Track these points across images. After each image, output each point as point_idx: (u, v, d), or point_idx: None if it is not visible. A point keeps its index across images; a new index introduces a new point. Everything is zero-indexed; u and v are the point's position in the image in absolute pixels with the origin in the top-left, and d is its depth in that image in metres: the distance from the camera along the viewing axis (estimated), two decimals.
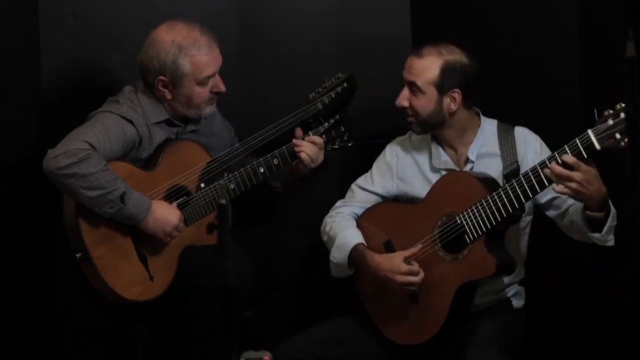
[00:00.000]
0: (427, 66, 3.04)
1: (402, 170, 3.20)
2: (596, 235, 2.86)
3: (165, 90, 3.09)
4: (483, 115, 3.17)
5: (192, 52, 3.05)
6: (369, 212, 3.21)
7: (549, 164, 2.79)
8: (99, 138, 2.96)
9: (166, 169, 3.09)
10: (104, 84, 3.19)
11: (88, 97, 3.17)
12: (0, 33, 3.39)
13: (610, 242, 2.90)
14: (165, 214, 3.02)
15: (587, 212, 2.83)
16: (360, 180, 3.27)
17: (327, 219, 3.24)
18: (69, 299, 3.46)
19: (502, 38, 3.50)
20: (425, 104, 3.05)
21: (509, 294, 3.13)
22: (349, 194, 3.28)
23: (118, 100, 3.10)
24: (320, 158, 3.21)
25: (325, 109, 3.24)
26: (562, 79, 3.40)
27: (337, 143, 3.28)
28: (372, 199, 3.23)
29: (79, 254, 2.99)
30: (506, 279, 3.08)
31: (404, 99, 3.07)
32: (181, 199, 3.10)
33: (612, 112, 2.72)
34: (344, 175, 3.46)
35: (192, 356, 3.12)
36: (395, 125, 3.39)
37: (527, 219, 3.10)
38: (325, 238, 3.23)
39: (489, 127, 3.13)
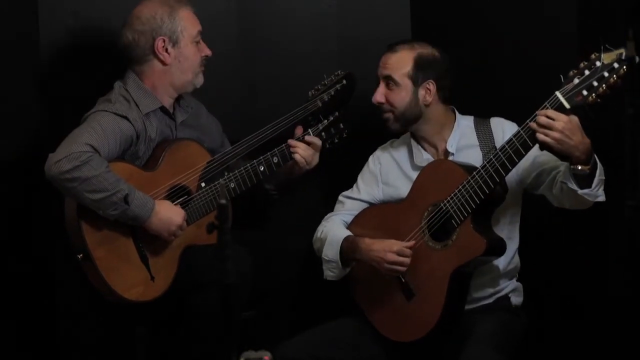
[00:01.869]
0: (401, 59, 3.12)
1: (386, 174, 3.25)
2: (586, 191, 2.85)
3: (165, 54, 3.12)
4: (480, 114, 3.19)
5: (181, 7, 3.15)
6: (357, 218, 3.24)
7: (529, 123, 2.83)
8: (98, 139, 2.96)
9: (167, 169, 3.09)
10: (104, 84, 3.18)
11: (88, 97, 3.17)
12: (0, 33, 3.39)
13: (601, 197, 2.89)
14: (169, 214, 3.03)
15: (572, 166, 2.83)
16: (347, 192, 3.32)
17: (318, 228, 3.28)
18: (69, 298, 3.46)
19: (502, 38, 3.50)
20: (402, 96, 3.12)
21: (507, 291, 3.13)
22: (337, 205, 3.32)
23: (110, 98, 3.11)
24: (316, 160, 3.23)
25: (324, 106, 3.25)
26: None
27: (337, 140, 3.28)
28: (360, 206, 3.26)
29: (80, 255, 2.98)
30: (502, 267, 3.08)
31: (380, 95, 3.14)
32: (182, 199, 3.10)
33: (576, 71, 2.79)
34: (343, 175, 3.45)
35: (192, 356, 3.12)
36: None
37: (515, 204, 3.10)
38: (317, 245, 3.26)
39: (465, 122, 3.18)
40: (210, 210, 3.12)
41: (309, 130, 3.24)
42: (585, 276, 3.37)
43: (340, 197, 3.32)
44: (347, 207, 3.28)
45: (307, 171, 3.24)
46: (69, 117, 3.13)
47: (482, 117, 3.20)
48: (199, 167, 3.14)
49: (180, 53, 3.13)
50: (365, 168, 3.31)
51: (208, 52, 3.19)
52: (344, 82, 3.28)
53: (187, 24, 3.13)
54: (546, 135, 2.78)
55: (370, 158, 3.31)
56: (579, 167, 2.82)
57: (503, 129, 3.11)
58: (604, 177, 2.87)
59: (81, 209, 2.97)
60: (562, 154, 2.82)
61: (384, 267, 3.04)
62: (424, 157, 3.17)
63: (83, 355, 3.52)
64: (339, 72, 3.30)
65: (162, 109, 3.16)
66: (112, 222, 2.99)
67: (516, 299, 3.15)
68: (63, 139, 2.97)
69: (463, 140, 3.14)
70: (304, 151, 3.19)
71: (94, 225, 2.98)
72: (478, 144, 3.11)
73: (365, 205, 3.25)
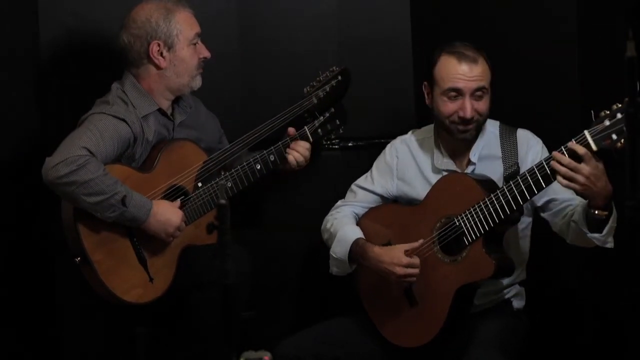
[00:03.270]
0: (485, 67, 3.04)
1: (403, 170, 3.20)
2: (596, 235, 2.84)
3: (160, 58, 3.11)
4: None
5: (178, 10, 3.12)
6: (369, 213, 3.21)
7: (554, 159, 2.75)
8: (95, 142, 2.95)
9: (163, 170, 3.08)
10: (104, 85, 3.18)
11: (88, 98, 3.17)
12: (0, 33, 3.39)
13: (610, 244, 2.87)
14: (167, 215, 3.02)
15: (591, 210, 2.80)
16: (361, 180, 3.27)
17: (328, 217, 3.25)
18: (69, 298, 3.46)
19: (502, 38, 3.50)
20: (488, 104, 3.05)
21: (509, 295, 3.13)
22: (349, 194, 3.28)
23: (108, 100, 3.10)
24: (305, 163, 3.21)
25: (320, 103, 3.23)
26: (562, 79, 3.40)
27: (332, 137, 3.27)
28: (373, 199, 3.22)
29: (78, 258, 2.98)
30: (506, 281, 3.08)
31: (472, 109, 3.00)
32: (179, 199, 3.09)
33: (608, 112, 2.70)
34: (344, 175, 3.45)
35: (192, 356, 3.12)
36: (395, 125, 3.39)
37: (526, 220, 3.09)
38: (326, 235, 3.23)
39: (491, 129, 3.13)
40: (208, 210, 3.11)
41: (305, 127, 3.22)
42: (586, 277, 3.37)
43: (352, 186, 3.28)
44: (359, 199, 3.24)
45: (295, 170, 3.22)
46: (68, 118, 3.13)
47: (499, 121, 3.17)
48: (195, 167, 3.13)
49: (175, 57, 3.12)
50: (381, 157, 3.26)
51: (207, 54, 3.17)
52: (339, 78, 3.26)
53: (183, 26, 3.11)
54: (571, 179, 2.72)
55: (388, 148, 3.26)
56: (596, 212, 2.79)
57: (528, 145, 3.07)
58: (615, 225, 2.83)
59: (78, 212, 2.96)
60: (582, 196, 2.80)
61: (392, 279, 3.03)
62: (445, 160, 3.12)
63: (83, 356, 3.52)
64: (334, 68, 3.28)
65: (160, 110, 3.15)
66: (109, 225, 2.98)
67: (518, 303, 3.15)
68: (59, 146, 2.96)
69: (486, 150, 3.09)
70: (299, 155, 3.18)
71: (91, 228, 2.98)
72: (501, 155, 3.06)
73: (377, 199, 3.22)
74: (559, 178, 2.74)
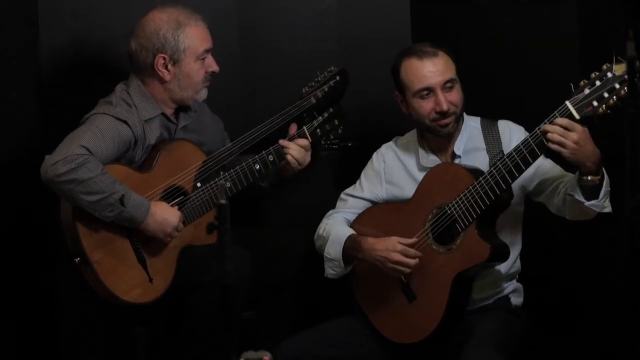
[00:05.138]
0: (448, 59, 3.09)
1: (391, 174, 3.23)
2: (593, 202, 2.85)
3: (164, 71, 3.09)
4: (479, 114, 3.19)
5: (190, 24, 3.09)
6: (361, 216, 3.23)
7: (538, 130, 2.81)
8: (95, 141, 2.95)
9: (162, 170, 3.08)
10: (104, 84, 3.18)
11: (88, 97, 3.17)
12: (0, 32, 3.39)
13: (608, 208, 2.89)
14: (165, 215, 3.02)
15: (583, 177, 2.82)
16: (350, 189, 3.30)
17: (320, 225, 3.27)
18: (69, 298, 3.46)
19: (502, 38, 3.50)
20: (461, 94, 3.10)
21: (507, 292, 3.13)
22: (339, 203, 3.30)
23: (111, 101, 3.09)
24: (307, 159, 3.22)
25: (318, 103, 3.24)
26: (562, 80, 3.39)
27: (331, 137, 3.28)
28: (363, 205, 3.25)
29: (78, 259, 2.98)
30: (503, 270, 3.08)
31: (447, 102, 3.06)
32: (178, 199, 3.10)
33: (587, 81, 2.78)
34: (343, 175, 3.46)
35: (192, 356, 3.12)
36: (395, 124, 3.39)
37: (518, 209, 3.10)
38: (319, 242, 3.25)
39: (472, 124, 3.17)
40: (207, 210, 3.11)
41: (304, 127, 3.23)
42: (586, 276, 3.37)
43: (342, 195, 3.30)
44: (350, 205, 3.26)
45: (300, 170, 3.23)
46: (68, 118, 3.13)
47: (480, 116, 3.19)
48: (194, 167, 3.13)
49: (180, 71, 3.10)
50: (369, 165, 3.29)
51: (215, 68, 3.15)
52: (337, 78, 3.27)
53: (192, 42, 3.09)
54: (562, 145, 2.77)
55: (374, 155, 3.29)
56: (589, 178, 2.81)
57: (510, 133, 3.10)
58: (609, 189, 2.86)
59: (77, 212, 2.97)
60: (574, 164, 2.82)
61: (387, 266, 3.04)
62: (430, 158, 3.15)
63: (83, 356, 3.52)
64: (332, 68, 3.28)
65: (163, 114, 3.15)
66: (108, 225, 2.99)
67: (516, 300, 3.15)
68: (59, 145, 2.96)
69: (470, 143, 3.12)
70: (296, 152, 3.18)
71: (90, 228, 2.98)
72: (485, 147, 3.09)
73: (367, 204, 3.24)
74: (550, 144, 2.78)
